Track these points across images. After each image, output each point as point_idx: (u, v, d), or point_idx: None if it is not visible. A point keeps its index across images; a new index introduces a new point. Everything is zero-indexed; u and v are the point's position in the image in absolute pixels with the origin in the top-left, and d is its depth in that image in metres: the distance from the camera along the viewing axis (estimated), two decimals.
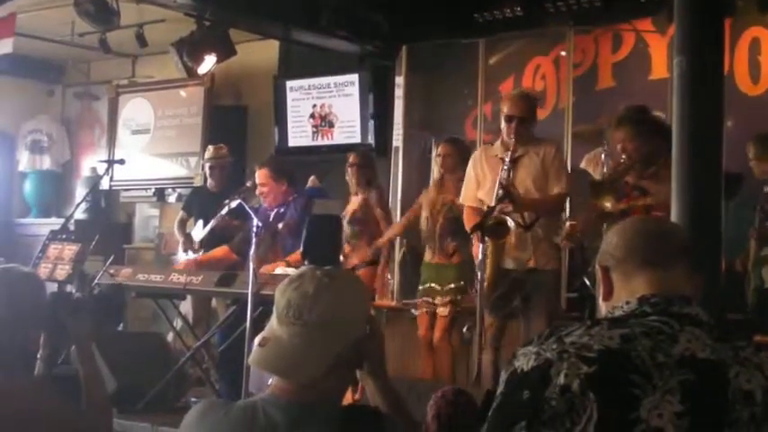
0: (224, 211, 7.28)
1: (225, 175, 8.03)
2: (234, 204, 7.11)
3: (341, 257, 6.85)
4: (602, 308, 2.05)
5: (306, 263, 5.65)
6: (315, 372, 2.10)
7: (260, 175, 7.11)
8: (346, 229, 7.08)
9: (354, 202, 7.30)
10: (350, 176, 7.33)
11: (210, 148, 8.26)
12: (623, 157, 5.65)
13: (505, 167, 5.68)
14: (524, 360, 1.88)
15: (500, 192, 5.57)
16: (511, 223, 5.56)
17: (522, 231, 5.70)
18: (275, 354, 2.13)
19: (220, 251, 7.16)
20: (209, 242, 7.55)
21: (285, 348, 2.12)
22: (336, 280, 2.18)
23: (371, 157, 7.61)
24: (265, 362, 2.15)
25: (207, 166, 8.15)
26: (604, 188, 5.65)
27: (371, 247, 7.19)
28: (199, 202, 7.99)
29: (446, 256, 6.55)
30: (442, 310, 6.52)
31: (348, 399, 2.72)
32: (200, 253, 7.55)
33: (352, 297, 2.21)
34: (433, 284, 6.61)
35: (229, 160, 8.11)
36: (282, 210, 6.90)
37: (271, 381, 2.27)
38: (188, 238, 7.81)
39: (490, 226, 5.50)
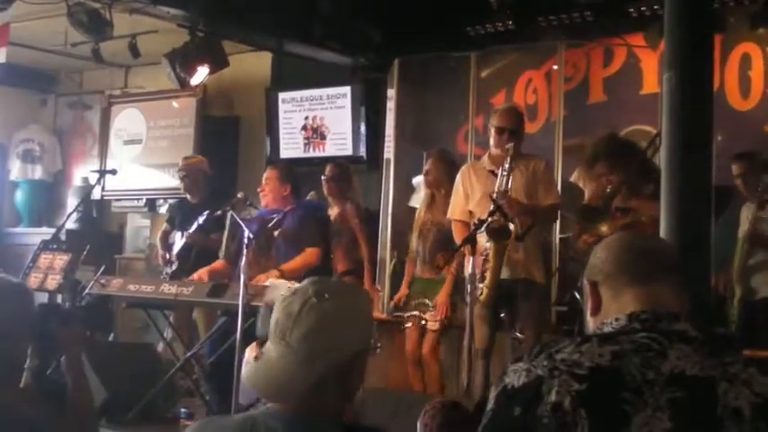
0: (195, 225, 7.22)
1: (198, 185, 7.81)
2: (202, 219, 7.07)
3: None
4: (590, 323, 2.06)
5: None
6: (296, 392, 2.08)
7: (267, 172, 7.08)
8: None
9: (331, 213, 7.35)
10: (325, 189, 7.37)
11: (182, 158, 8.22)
12: (608, 188, 5.68)
13: (504, 174, 5.68)
14: (515, 376, 1.88)
15: (491, 205, 5.58)
16: (512, 226, 5.55)
17: (514, 241, 5.70)
18: (262, 372, 2.13)
19: (218, 265, 7.03)
20: (187, 257, 7.46)
21: (271, 367, 2.11)
22: (328, 300, 2.11)
23: (347, 169, 7.63)
24: (253, 380, 2.15)
25: (178, 175, 8.08)
26: (598, 213, 5.65)
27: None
28: (180, 215, 7.89)
29: (435, 271, 6.57)
30: (432, 325, 6.54)
31: None
32: (175, 266, 7.48)
33: (344, 315, 2.13)
34: (423, 299, 6.65)
35: (201, 169, 7.88)
36: (281, 217, 6.87)
37: None
38: (169, 251, 7.76)
39: (492, 229, 5.50)
